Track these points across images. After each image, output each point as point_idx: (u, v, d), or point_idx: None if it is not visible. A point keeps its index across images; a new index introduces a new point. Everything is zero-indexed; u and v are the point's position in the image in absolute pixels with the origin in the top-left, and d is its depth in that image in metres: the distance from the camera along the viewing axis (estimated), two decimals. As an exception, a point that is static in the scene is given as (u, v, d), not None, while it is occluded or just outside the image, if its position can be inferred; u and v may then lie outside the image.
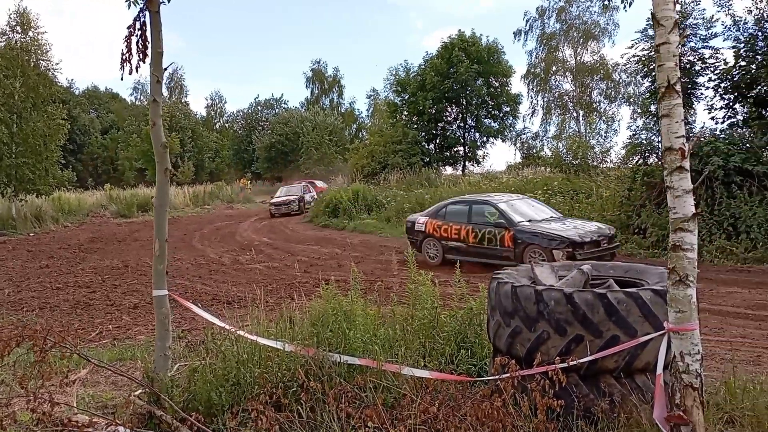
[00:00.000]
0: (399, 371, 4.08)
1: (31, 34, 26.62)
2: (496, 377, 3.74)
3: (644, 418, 3.56)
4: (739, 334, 6.57)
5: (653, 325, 3.75)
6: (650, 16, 3.67)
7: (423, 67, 36.74)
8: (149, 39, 4.15)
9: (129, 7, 4.19)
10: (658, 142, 15.52)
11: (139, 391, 4.26)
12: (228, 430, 3.68)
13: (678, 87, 3.55)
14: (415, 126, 35.97)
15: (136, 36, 4.13)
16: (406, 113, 37.20)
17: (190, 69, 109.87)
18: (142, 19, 4.10)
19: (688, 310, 3.35)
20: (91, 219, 29.48)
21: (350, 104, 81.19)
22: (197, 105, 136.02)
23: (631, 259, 11.87)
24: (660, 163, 14.90)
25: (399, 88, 38.11)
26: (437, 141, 36.93)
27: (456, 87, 34.73)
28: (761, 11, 15.03)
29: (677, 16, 3.68)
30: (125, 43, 4.15)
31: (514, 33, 45.12)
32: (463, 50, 34.55)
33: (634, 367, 3.86)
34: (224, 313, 7.28)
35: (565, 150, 24.50)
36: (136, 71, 4.28)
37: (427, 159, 34.08)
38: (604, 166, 22.11)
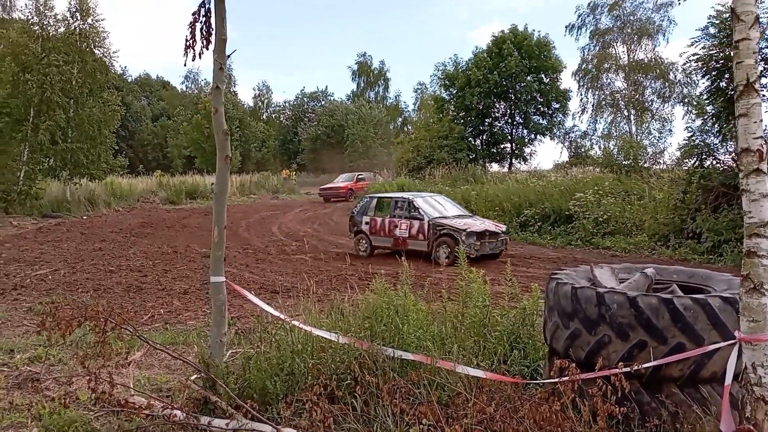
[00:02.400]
0: (453, 369, 4.02)
1: (90, 21, 27.33)
2: (555, 380, 3.65)
3: (708, 430, 3.43)
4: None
5: (721, 334, 3.60)
6: (730, 11, 3.52)
7: (472, 61, 36.39)
8: (213, 26, 4.17)
9: (195, -6, 4.22)
10: (716, 144, 15.05)
11: (195, 376, 4.31)
12: (282, 419, 3.69)
13: (757, 85, 3.40)
14: (462, 121, 35.67)
15: (201, 23, 4.15)
16: (453, 108, 36.91)
17: (239, 59, 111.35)
18: (206, 6, 4.13)
19: (762, 319, 3.20)
20: (141, 204, 30.18)
21: (396, 97, 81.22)
22: (245, 95, 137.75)
23: (684, 264, 11.53)
24: (717, 165, 14.45)
25: (447, 83, 37.85)
26: (484, 137, 36.57)
27: (505, 82, 34.31)
28: None
29: (758, 11, 3.51)
30: (189, 29, 4.17)
31: (566, 27, 44.39)
32: (514, 44, 34.07)
33: (700, 377, 3.72)
34: (271, 302, 7.35)
35: (616, 150, 23.97)
36: (200, 57, 4.30)
37: (473, 155, 33.79)
38: (657, 167, 21.56)
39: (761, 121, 3.43)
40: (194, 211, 27.67)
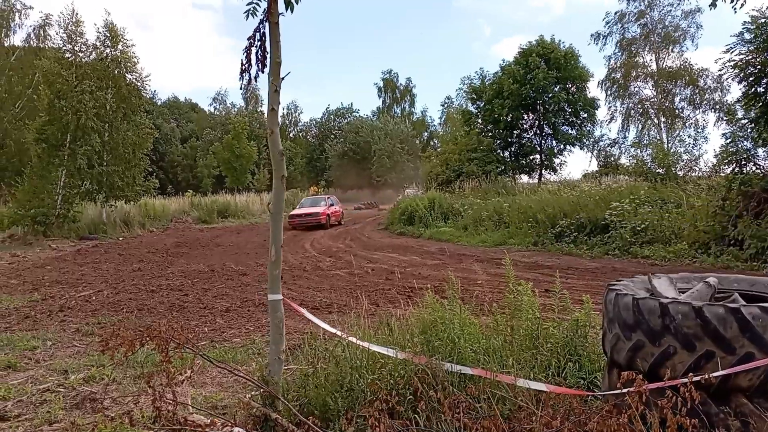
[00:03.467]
0: (514, 382, 3.98)
1: (120, 47, 28.00)
2: (623, 391, 3.59)
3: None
4: None
5: (792, 343, 3.52)
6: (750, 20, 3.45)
7: (499, 74, 36.37)
8: (268, 50, 4.23)
9: (247, 18, 4.29)
10: (755, 149, 14.80)
11: (254, 393, 4.33)
12: (345, 435, 3.69)
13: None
14: (490, 134, 35.62)
15: (256, 46, 4.22)
16: (480, 121, 36.88)
17: (265, 79, 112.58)
18: (261, 30, 4.20)
19: (838, 327, 3.12)
20: (174, 224, 30.62)
21: (422, 112, 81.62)
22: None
23: (728, 272, 11.29)
24: (757, 171, 14.19)
25: (474, 96, 37.89)
26: (513, 149, 36.41)
27: (533, 94, 34.18)
28: None
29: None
30: (245, 53, 4.25)
31: (591, 35, 44.25)
32: (541, 56, 33.99)
33: (770, 387, 3.63)
34: (337, 320, 7.37)
35: (650, 158, 23.68)
36: (255, 81, 4.37)
37: (503, 167, 33.64)
38: (693, 175, 21.24)
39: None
40: (226, 229, 27.97)
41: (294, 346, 6.58)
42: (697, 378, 3.42)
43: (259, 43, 4.25)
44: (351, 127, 69.60)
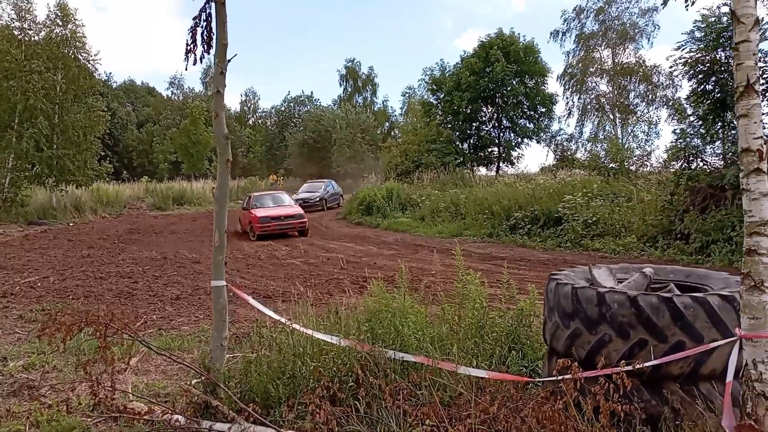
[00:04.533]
0: (455, 370, 4.02)
1: (70, 26, 27.13)
2: (555, 378, 3.67)
3: (710, 427, 3.45)
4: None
5: (720, 332, 3.64)
6: (730, 13, 3.56)
7: (459, 66, 36.55)
8: (214, 30, 4.16)
9: (194, -1, 4.21)
10: (704, 146, 15.21)
11: (195, 380, 4.28)
12: (285, 422, 3.67)
13: (757, 86, 3.45)
14: (450, 126, 35.80)
15: (202, 27, 4.14)
16: (440, 113, 37.03)
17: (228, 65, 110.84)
18: (207, 11, 4.12)
19: (762, 317, 3.24)
20: (128, 211, 29.97)
21: (383, 102, 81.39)
22: (231, 100, 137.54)
23: (675, 264, 11.62)
24: (705, 167, 14.60)
25: (434, 87, 38.02)
26: (471, 141, 36.68)
27: (492, 86, 34.44)
28: None
29: (757, 14, 3.56)
30: (190, 34, 4.16)
31: (551, 33, 44.64)
32: (501, 49, 34.25)
33: (700, 374, 3.75)
34: (283, 307, 7.33)
35: (603, 153, 24.15)
36: (200, 62, 4.30)
37: (461, 159, 33.86)
38: (644, 170, 21.73)
39: (761, 121, 3.48)
40: (182, 216, 27.51)
41: (243, 334, 6.54)
42: (629, 367, 3.52)
43: (205, 23, 4.18)
44: (311, 116, 69.09)
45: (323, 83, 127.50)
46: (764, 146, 3.43)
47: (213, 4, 4.08)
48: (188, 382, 4.34)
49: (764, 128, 3.49)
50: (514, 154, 37.31)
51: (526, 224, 16.68)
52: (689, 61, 15.26)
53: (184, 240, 18.57)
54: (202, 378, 4.13)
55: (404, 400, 3.79)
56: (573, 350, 4.06)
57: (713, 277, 4.54)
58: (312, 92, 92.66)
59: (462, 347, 4.85)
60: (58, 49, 26.32)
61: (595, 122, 44.44)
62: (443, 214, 20.63)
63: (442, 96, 37.00)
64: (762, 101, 14.12)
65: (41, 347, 6.06)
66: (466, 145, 36.53)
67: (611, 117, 43.78)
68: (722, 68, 15.43)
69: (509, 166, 37.04)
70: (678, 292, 4.28)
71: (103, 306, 8.58)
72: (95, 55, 28.47)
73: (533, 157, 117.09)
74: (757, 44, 3.48)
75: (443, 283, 8.28)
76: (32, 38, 26.29)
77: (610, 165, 22.36)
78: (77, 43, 27.43)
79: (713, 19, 15.41)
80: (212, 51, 4.22)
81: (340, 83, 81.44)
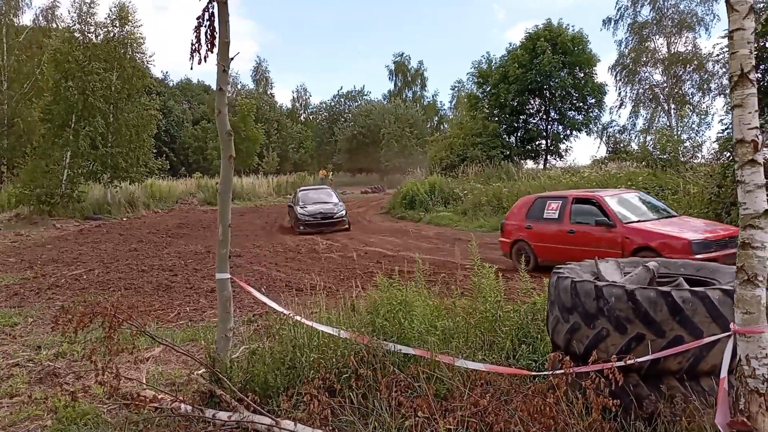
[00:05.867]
0: (452, 363, 4.06)
1: (128, 27, 28.04)
2: (548, 373, 3.67)
3: (707, 423, 3.40)
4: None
5: (721, 327, 3.57)
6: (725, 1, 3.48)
7: (506, 58, 36.12)
8: (217, 29, 4.29)
9: None
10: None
11: (202, 370, 4.45)
12: (282, 411, 3.79)
13: (752, 75, 3.36)
14: (497, 119, 35.42)
15: (205, 27, 4.29)
16: (487, 106, 36.69)
17: (277, 61, 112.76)
18: (210, 10, 4.26)
19: (756, 311, 3.16)
20: (180, 206, 30.84)
21: (433, 96, 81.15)
22: (283, 97, 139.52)
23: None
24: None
25: (480, 80, 37.68)
26: (518, 134, 36.23)
27: (539, 78, 33.90)
28: None
29: (752, 1, 3.46)
30: (195, 33, 4.31)
31: (603, 21, 43.63)
32: (548, 40, 33.68)
33: (699, 370, 3.69)
34: (294, 299, 7.49)
35: (653, 144, 23.50)
36: (205, 61, 4.44)
37: (508, 152, 33.47)
38: (696, 161, 21.04)
39: (756, 111, 3.39)
40: (231, 211, 28.12)
41: (265, 327, 6.71)
42: (620, 363, 3.49)
43: (208, 23, 4.31)
44: (361, 111, 69.50)
45: (374, 78, 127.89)
46: (759, 137, 3.35)
47: (215, 4, 4.22)
48: (193, 372, 4.51)
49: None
50: (562, 146, 36.71)
51: (567, 218, 16.37)
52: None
53: (231, 234, 19.02)
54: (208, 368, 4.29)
55: (400, 392, 3.85)
56: (572, 344, 4.05)
57: (723, 271, 4.44)
58: (363, 87, 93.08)
59: (469, 340, 4.89)
60: (114, 51, 27.22)
61: (649, 113, 43.27)
62: (485, 208, 20.49)
63: (488, 89, 36.65)
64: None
65: (75, 337, 6.38)
66: (512, 139, 36.10)
67: (665, 107, 42.50)
68: (771, 56, 14.85)
69: (557, 159, 36.46)
70: (686, 287, 4.21)
71: (141, 298, 8.94)
72: (150, 56, 29.34)
73: (585, 149, 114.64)
74: (752, 32, 3.38)
75: (465, 277, 8.27)
76: (91, 40, 27.25)
77: (660, 156, 21.75)
78: (134, 43, 28.30)
79: (761, 5, 14.84)
80: (215, 50, 4.35)
81: (389, 78, 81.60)
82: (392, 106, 67.29)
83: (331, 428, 3.58)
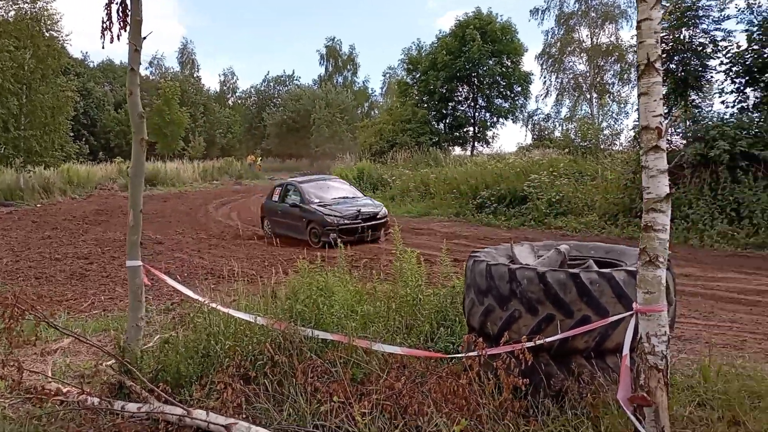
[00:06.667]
0: (369, 347, 4.06)
1: (40, 3, 26.57)
2: (463, 355, 3.73)
3: (611, 398, 3.53)
4: (729, 319, 6.50)
5: (626, 306, 3.69)
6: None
7: (435, 45, 36.42)
8: (129, 7, 4.10)
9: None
10: (665, 125, 15.34)
11: (112, 361, 4.28)
12: (194, 400, 3.70)
13: (658, 65, 3.47)
14: (426, 105, 35.74)
15: (116, 3, 4.09)
16: (416, 92, 36.95)
17: (204, 44, 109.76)
18: (120, -13, 4.06)
19: (656, 291, 3.29)
20: (99, 192, 29.59)
21: (364, 82, 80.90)
22: (211, 80, 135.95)
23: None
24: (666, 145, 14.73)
25: (410, 67, 37.87)
26: (447, 121, 36.68)
27: (468, 66, 34.39)
28: (776, -6, 14.75)
29: (659, -8, 3.57)
30: (106, 11, 4.12)
31: (531, 11, 44.60)
32: (477, 29, 34.16)
33: (605, 348, 3.82)
34: (214, 286, 7.32)
35: (575, 132, 24.27)
36: (118, 39, 4.25)
37: (436, 139, 33.86)
38: (615, 149, 21.87)
39: (661, 99, 3.51)
40: (153, 197, 27.23)
41: (181, 315, 6.53)
42: (530, 343, 3.58)
43: (120, 0, 4.11)
44: (291, 96, 68.64)
45: (304, 63, 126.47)
46: (663, 124, 3.47)
47: (125, -19, 4.03)
48: (101, 363, 4.34)
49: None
50: (489, 133, 37.48)
51: (492, 203, 16.77)
52: (653, 40, 15.33)
53: (152, 221, 18.41)
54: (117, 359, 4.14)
55: (317, 378, 3.83)
56: (487, 326, 4.12)
57: (630, 253, 4.61)
58: (293, 72, 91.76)
59: (389, 325, 4.91)
60: (27, 28, 25.74)
61: (572, 101, 44.68)
62: (413, 194, 20.68)
63: (418, 76, 36.90)
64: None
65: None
66: (441, 125, 36.53)
67: (587, 96, 43.99)
68: (685, 47, 15.55)
69: (484, 145, 37.18)
70: (595, 268, 4.35)
71: (53, 287, 8.55)
72: (67, 34, 27.98)
73: (512, 136, 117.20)
74: (659, 22, 3.50)
75: (390, 263, 8.32)
76: (2, 16, 25.69)
77: (581, 144, 22.49)
78: (48, 20, 26.84)
79: (670, -4, 15.47)
80: (128, 28, 4.16)
81: (320, 63, 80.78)
82: (323, 91, 66.73)
83: (244, 416, 3.51)
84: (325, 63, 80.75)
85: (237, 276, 6.64)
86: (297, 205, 14.08)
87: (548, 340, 3.66)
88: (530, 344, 3.58)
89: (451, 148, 35.17)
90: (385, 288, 5.64)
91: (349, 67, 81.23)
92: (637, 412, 3.20)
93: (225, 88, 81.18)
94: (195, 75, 71.58)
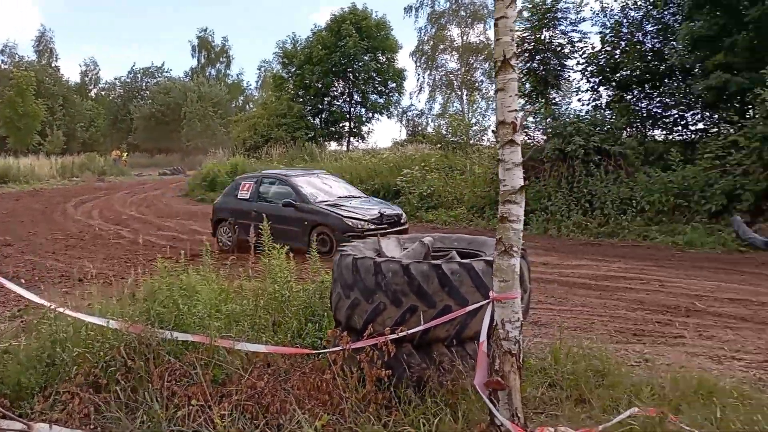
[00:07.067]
0: (232, 347, 3.93)
1: None
2: (329, 350, 3.70)
3: (469, 385, 3.64)
4: (580, 303, 6.96)
5: (484, 295, 3.81)
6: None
7: (311, 39, 36.23)
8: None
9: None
10: (528, 121, 16.21)
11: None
12: (36, 413, 3.40)
13: (513, 62, 3.59)
14: (302, 100, 35.47)
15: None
16: (292, 86, 36.58)
17: (64, 31, 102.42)
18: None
19: (510, 279, 3.42)
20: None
21: (238, 76, 78.91)
22: (72, 71, 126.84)
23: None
24: (528, 141, 15.60)
25: (285, 61, 37.42)
26: (323, 116, 36.63)
27: (344, 61, 34.52)
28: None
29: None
30: None
31: (405, 8, 45.49)
32: (353, 24, 34.35)
33: (465, 336, 3.94)
34: (68, 290, 6.82)
35: (446, 128, 25.06)
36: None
37: (312, 134, 33.73)
38: (483, 144, 22.80)
39: (516, 95, 3.64)
40: (4, 195, 25.03)
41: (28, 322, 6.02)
42: (393, 335, 3.62)
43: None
44: (160, 88, 65.57)
45: (175, 54, 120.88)
46: (518, 119, 3.60)
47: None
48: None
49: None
50: (365, 129, 37.83)
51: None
52: (516, 39, 16.15)
53: (1, 220, 16.91)
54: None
55: (174, 382, 3.65)
56: (353, 320, 4.11)
57: (490, 244, 4.77)
58: (163, 63, 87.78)
59: (257, 323, 4.79)
60: None
61: (444, 98, 46.19)
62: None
63: (294, 70, 36.53)
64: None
65: None
66: (317, 120, 36.42)
67: (459, 93, 45.65)
68: (546, 47, 16.52)
69: (360, 141, 37.53)
70: (458, 259, 4.48)
71: None
72: None
73: (388, 132, 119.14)
74: (515, 20, 3.63)
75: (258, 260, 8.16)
76: None
77: (452, 139, 23.25)
78: None
79: (539, 1, 16.39)
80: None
81: (192, 54, 77.79)
82: (195, 83, 64.36)
83: (92, 427, 3.27)
84: (197, 55, 77.93)
85: (92, 278, 6.23)
86: (292, 204, 11.23)
87: (411, 331, 3.72)
88: (393, 336, 3.62)
89: (327, 143, 35.20)
90: (253, 285, 5.51)
91: (222, 59, 78.90)
92: (492, 396, 3.31)
93: (87, 79, 76.04)
94: (53, 65, 66.45)
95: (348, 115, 37.10)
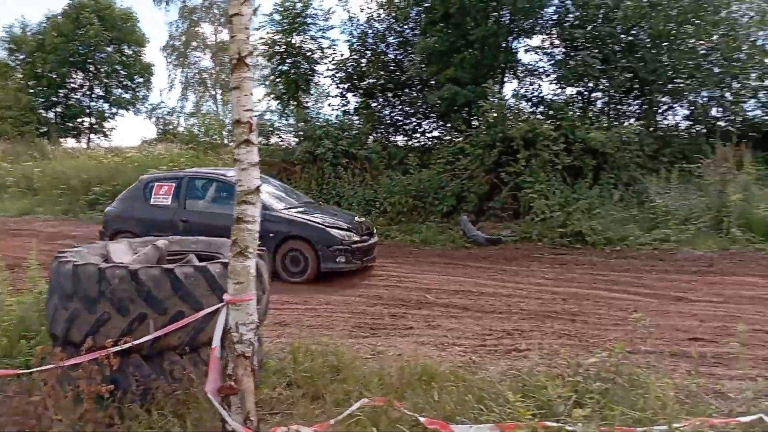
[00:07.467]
0: None
1: None
2: (36, 370, 3.28)
3: (200, 392, 3.50)
4: (324, 301, 7.18)
5: (220, 299, 3.70)
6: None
7: (44, 25, 32.54)
8: None
9: None
10: (281, 123, 16.43)
11: None
12: None
13: (249, 60, 3.54)
14: (32, 91, 31.66)
15: None
16: (20, 76, 32.49)
17: None
18: None
19: (245, 281, 3.37)
20: None
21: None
22: None
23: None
24: (281, 143, 15.74)
25: (12, 47, 33.09)
26: (58, 109, 33.10)
27: (84, 51, 31.56)
28: (372, 11, 16.95)
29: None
30: None
31: (154, 0, 42.88)
32: (94, 11, 31.57)
33: (200, 342, 3.79)
34: None
35: (198, 127, 24.22)
36: None
37: (45, 129, 30.30)
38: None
39: (252, 94, 3.59)
40: None
41: None
42: (115, 348, 3.33)
43: None
44: None
45: None
46: (254, 119, 3.56)
47: None
48: None
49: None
50: (108, 125, 34.99)
51: (106, 199, 15.64)
52: (268, 42, 16.28)
53: None
54: None
55: None
56: (72, 333, 3.71)
57: (228, 246, 4.68)
58: None
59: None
60: None
61: (198, 97, 44.57)
62: (12, 190, 18.05)
63: (23, 57, 32.47)
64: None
65: None
66: (51, 114, 32.81)
67: (212, 92, 44.41)
68: (297, 51, 16.83)
69: (103, 138, 34.60)
70: (195, 263, 4.28)
71: None
72: None
73: (136, 130, 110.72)
74: (250, 18, 3.58)
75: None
76: None
77: (205, 139, 22.53)
78: None
79: (289, 3, 16.63)
80: None
81: None
82: None
83: None
84: None
85: None
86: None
87: (137, 342, 3.46)
88: (116, 348, 3.33)
89: (63, 139, 31.80)
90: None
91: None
92: (225, 401, 3.22)
93: None
94: None
95: (88, 110, 33.98)
